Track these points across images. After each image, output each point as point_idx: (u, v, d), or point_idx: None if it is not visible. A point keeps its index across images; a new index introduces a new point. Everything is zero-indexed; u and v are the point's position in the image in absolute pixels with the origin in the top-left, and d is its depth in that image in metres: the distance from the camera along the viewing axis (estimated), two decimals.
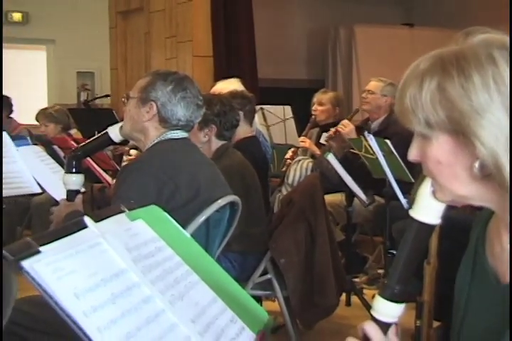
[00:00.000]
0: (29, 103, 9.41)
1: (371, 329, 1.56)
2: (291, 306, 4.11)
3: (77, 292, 1.40)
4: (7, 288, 1.93)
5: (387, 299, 1.57)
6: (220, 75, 8.40)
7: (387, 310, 1.58)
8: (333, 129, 6.16)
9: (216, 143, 4.14)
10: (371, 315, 1.60)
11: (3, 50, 11.23)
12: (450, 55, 1.42)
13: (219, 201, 3.17)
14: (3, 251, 1.33)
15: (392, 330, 1.58)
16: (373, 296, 4.97)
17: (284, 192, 5.75)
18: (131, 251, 1.65)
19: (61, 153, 5.67)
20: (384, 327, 1.57)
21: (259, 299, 4.24)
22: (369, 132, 5.53)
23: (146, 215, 1.87)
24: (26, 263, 1.34)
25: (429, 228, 1.57)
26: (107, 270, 1.54)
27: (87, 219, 1.59)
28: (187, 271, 1.81)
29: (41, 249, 1.40)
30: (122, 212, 1.80)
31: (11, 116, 8.43)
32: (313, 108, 6.71)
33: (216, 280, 1.90)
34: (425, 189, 1.55)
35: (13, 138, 3.91)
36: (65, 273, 1.41)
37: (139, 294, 1.57)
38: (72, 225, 1.55)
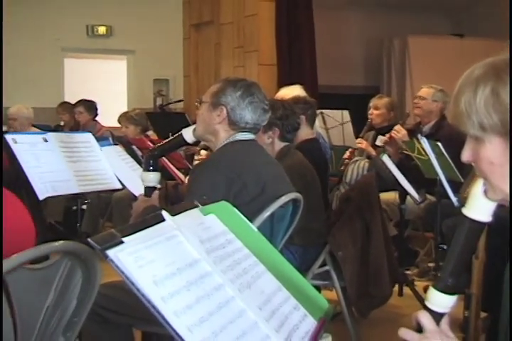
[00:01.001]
0: (111, 107, 9.52)
1: (425, 318, 1.55)
2: (347, 295, 4.09)
3: (156, 279, 1.41)
4: (93, 274, 1.96)
5: (441, 291, 1.56)
6: (283, 82, 8.39)
7: (440, 301, 1.56)
8: (387, 135, 6.12)
9: (279, 145, 4.14)
10: (424, 306, 1.58)
11: (89, 60, 11.43)
12: (502, 63, 1.41)
13: (283, 198, 3.16)
14: (91, 241, 1.35)
15: (444, 320, 1.57)
16: (424, 287, 4.97)
17: (342, 190, 5.72)
18: (204, 242, 1.66)
19: (139, 153, 5.71)
20: (437, 317, 1.56)
21: (318, 288, 4.22)
22: (421, 135, 5.50)
23: (217, 210, 1.87)
24: (111, 253, 1.36)
25: (481, 225, 1.55)
26: (183, 260, 1.55)
27: (164, 214, 1.60)
28: (254, 262, 1.82)
29: (124, 239, 1.42)
30: (196, 207, 1.81)
31: (96, 119, 8.54)
32: (370, 112, 6.67)
33: (280, 270, 1.90)
34: (477, 189, 1.53)
35: (98, 139, 3.96)
36: (145, 262, 1.42)
37: (211, 282, 1.57)
38: (151, 218, 1.57)
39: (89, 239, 1.35)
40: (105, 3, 10.83)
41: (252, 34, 9.75)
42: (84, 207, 6.55)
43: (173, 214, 1.65)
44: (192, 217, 1.74)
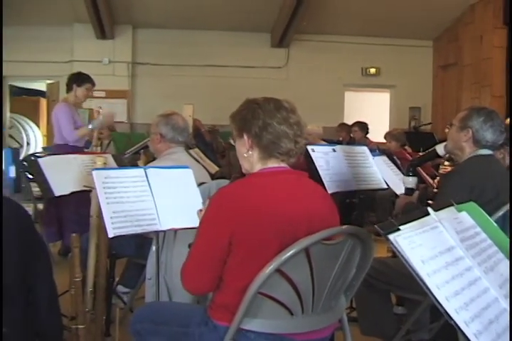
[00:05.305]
0: (377, 127, 9.50)
1: None
2: None
3: (423, 259, 1.39)
4: (368, 251, 1.94)
5: None
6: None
7: None
8: None
9: (508, 159, 3.88)
10: None
11: (362, 93, 11.54)
12: None
13: None
14: (377, 228, 1.34)
15: None
16: None
17: None
18: (459, 233, 1.61)
19: (398, 162, 5.62)
20: None
21: None
22: None
23: (467, 208, 1.81)
24: (391, 236, 1.35)
25: None
26: (442, 245, 1.51)
27: (429, 209, 1.56)
28: (496, 250, 1.75)
29: (400, 227, 1.40)
30: (452, 205, 1.75)
31: (367, 136, 8.54)
32: None
33: None
34: None
35: (370, 150, 3.95)
36: (415, 245, 1.40)
37: (463, 264, 1.52)
38: (420, 213, 1.54)
39: (376, 226, 1.34)
40: (375, 52, 10.83)
41: (487, 72, 9.48)
42: (354, 200, 6.58)
43: (436, 210, 1.60)
44: (449, 213, 1.70)
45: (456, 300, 1.36)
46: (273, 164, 2.07)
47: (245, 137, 2.07)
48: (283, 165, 2.08)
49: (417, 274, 1.33)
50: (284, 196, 1.97)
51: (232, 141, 2.17)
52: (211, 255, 1.94)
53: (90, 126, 5.21)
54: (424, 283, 1.32)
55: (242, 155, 2.11)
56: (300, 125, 2.08)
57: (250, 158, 2.09)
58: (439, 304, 1.31)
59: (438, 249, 1.46)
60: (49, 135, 10.93)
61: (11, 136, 11.68)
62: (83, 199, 3.79)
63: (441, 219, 1.57)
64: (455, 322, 1.30)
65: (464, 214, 1.74)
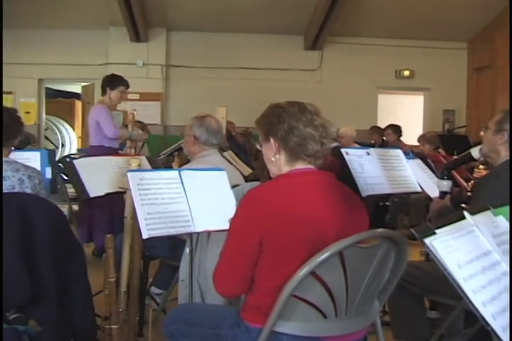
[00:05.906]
0: (410, 130, 9.40)
1: None
2: None
3: (459, 263, 1.37)
4: (403, 255, 1.93)
5: None
6: None
7: None
8: None
9: None
10: None
11: (395, 96, 11.44)
12: None
13: None
14: (413, 231, 1.33)
15: None
16: None
17: None
18: (495, 237, 1.59)
19: (432, 165, 5.55)
20: None
21: None
22: None
23: (504, 212, 1.77)
24: (427, 240, 1.34)
25: None
26: (479, 250, 1.49)
27: (465, 213, 1.54)
28: None
29: (436, 231, 1.38)
30: (488, 209, 1.72)
31: (400, 139, 8.45)
32: None
33: None
34: None
35: (404, 153, 3.90)
36: (452, 249, 1.38)
37: (500, 269, 1.50)
38: (455, 216, 1.51)
39: (411, 230, 1.33)
40: (409, 54, 10.78)
41: None
42: (387, 203, 6.50)
43: (472, 213, 1.58)
44: (486, 216, 1.67)
45: (492, 306, 1.34)
46: (300, 166, 2.08)
47: (272, 141, 2.09)
48: (310, 166, 2.09)
49: (453, 278, 1.31)
50: (313, 197, 1.97)
51: (258, 146, 2.18)
52: (242, 256, 1.94)
53: (130, 134, 5.39)
54: (460, 288, 1.31)
55: (270, 159, 2.13)
56: (325, 127, 2.09)
57: (278, 162, 2.11)
58: (475, 309, 1.29)
59: (474, 253, 1.44)
60: (84, 137, 11.10)
61: (46, 138, 11.87)
62: (106, 200, 3.82)
63: (477, 223, 1.55)
64: (492, 328, 1.28)
65: (500, 218, 1.71)
